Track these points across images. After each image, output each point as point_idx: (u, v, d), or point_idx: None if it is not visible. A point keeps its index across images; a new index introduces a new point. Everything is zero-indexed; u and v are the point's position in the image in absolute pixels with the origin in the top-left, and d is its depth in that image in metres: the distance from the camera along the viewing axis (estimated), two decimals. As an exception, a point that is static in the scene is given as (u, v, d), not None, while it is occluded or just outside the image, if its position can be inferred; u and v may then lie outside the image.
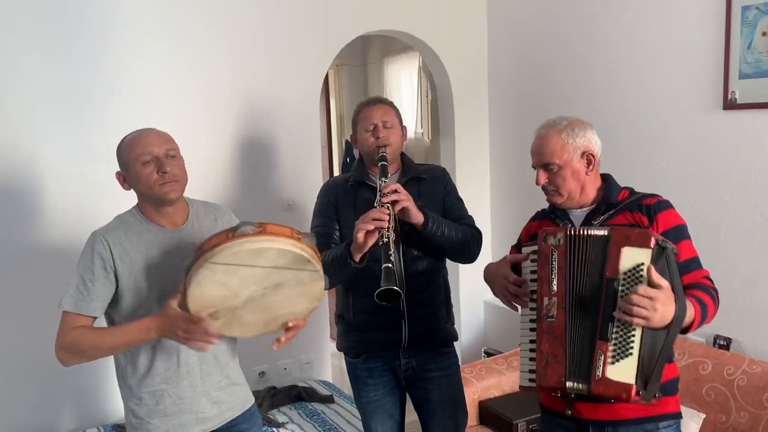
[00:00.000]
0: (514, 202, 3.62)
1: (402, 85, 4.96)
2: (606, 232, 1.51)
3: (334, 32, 3.21)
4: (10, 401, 2.62)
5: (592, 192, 1.71)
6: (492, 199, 3.79)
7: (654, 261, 1.44)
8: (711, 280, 1.63)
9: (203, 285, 1.55)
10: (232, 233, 1.56)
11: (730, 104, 2.48)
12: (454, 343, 2.20)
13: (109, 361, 1.80)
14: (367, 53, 5.48)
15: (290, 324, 1.67)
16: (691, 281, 1.59)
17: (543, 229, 1.62)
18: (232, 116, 2.98)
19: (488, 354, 3.61)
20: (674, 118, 2.71)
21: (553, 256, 1.57)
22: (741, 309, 2.51)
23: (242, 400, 1.86)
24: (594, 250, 1.53)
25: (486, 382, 2.87)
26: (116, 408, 2.70)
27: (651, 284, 1.43)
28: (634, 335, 1.45)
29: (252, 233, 1.54)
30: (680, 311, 1.44)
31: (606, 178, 1.76)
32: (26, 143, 2.60)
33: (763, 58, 2.37)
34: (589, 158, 1.68)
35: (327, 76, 5.60)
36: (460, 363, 2.31)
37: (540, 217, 1.85)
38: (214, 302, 1.58)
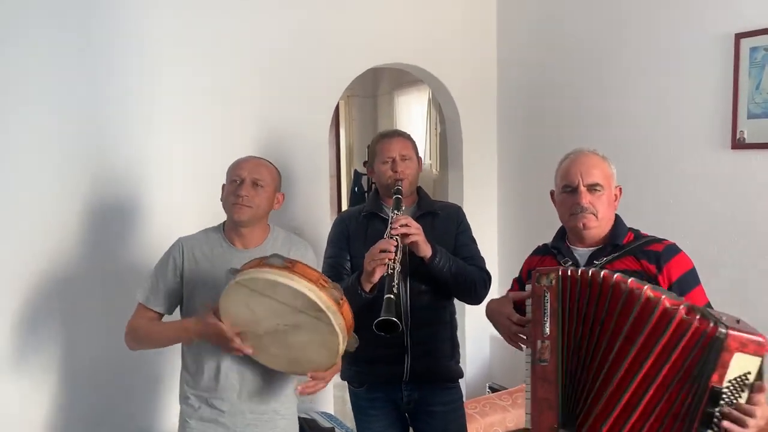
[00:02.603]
0: (522, 234, 3.61)
1: (412, 117, 5.01)
2: (720, 335, 1.31)
3: (345, 65, 3.25)
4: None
5: (608, 227, 1.69)
6: (499, 232, 3.79)
7: (760, 369, 1.33)
8: None
9: (230, 302, 1.63)
10: (262, 261, 1.62)
11: (738, 144, 2.49)
12: (460, 379, 2.18)
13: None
14: (377, 85, 5.55)
15: (309, 375, 1.72)
16: None
17: (536, 269, 1.57)
18: (242, 145, 3.00)
19: (493, 389, 3.56)
20: (683, 156, 2.71)
21: (546, 298, 1.51)
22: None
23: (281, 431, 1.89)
24: (619, 303, 1.41)
25: (490, 419, 2.82)
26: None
27: (752, 395, 1.33)
28: None
29: (277, 266, 1.59)
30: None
31: (615, 217, 1.73)
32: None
33: (771, 98, 2.38)
34: (618, 192, 1.71)
35: (337, 106, 5.67)
36: (464, 399, 2.28)
37: (542, 252, 1.82)
38: (239, 322, 1.65)
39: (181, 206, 2.75)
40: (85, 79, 2.60)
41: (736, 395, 1.33)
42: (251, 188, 1.84)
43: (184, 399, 1.89)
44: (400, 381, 2.07)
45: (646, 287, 1.39)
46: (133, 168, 2.72)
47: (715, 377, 1.31)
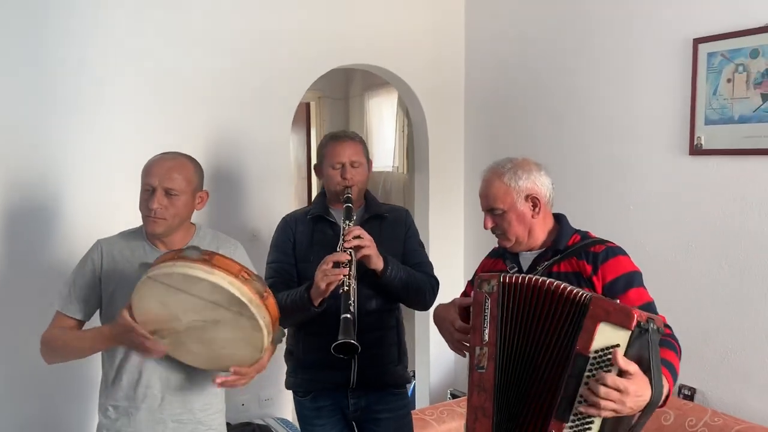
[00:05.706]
0: (489, 236, 3.55)
1: (383, 119, 4.97)
2: (586, 299, 1.33)
3: (308, 64, 3.19)
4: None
5: (541, 234, 1.65)
6: (465, 234, 3.74)
7: (631, 343, 1.27)
8: (669, 326, 1.50)
9: (143, 299, 1.54)
10: (178, 255, 1.53)
11: (696, 150, 2.47)
12: (410, 385, 2.13)
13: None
14: (349, 87, 5.51)
15: (232, 370, 1.62)
16: None
17: (479, 275, 1.55)
18: (200, 146, 2.93)
19: (454, 396, 3.51)
20: (641, 163, 2.69)
21: (486, 304, 1.49)
22: (706, 358, 2.45)
23: None
24: (545, 304, 1.40)
25: (446, 426, 2.77)
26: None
27: (620, 370, 1.27)
28: (593, 421, 1.29)
29: (194, 259, 1.49)
30: (656, 396, 1.29)
31: (559, 219, 1.69)
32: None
33: (728, 104, 2.36)
34: (534, 201, 1.62)
35: (309, 108, 5.63)
36: (427, 404, 2.24)
37: (495, 254, 1.81)
38: (156, 319, 1.56)
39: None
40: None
41: (603, 368, 1.29)
42: (163, 198, 1.67)
43: (102, 410, 1.78)
44: (346, 388, 2.02)
45: (576, 289, 1.37)
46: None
47: (579, 344, 1.30)
